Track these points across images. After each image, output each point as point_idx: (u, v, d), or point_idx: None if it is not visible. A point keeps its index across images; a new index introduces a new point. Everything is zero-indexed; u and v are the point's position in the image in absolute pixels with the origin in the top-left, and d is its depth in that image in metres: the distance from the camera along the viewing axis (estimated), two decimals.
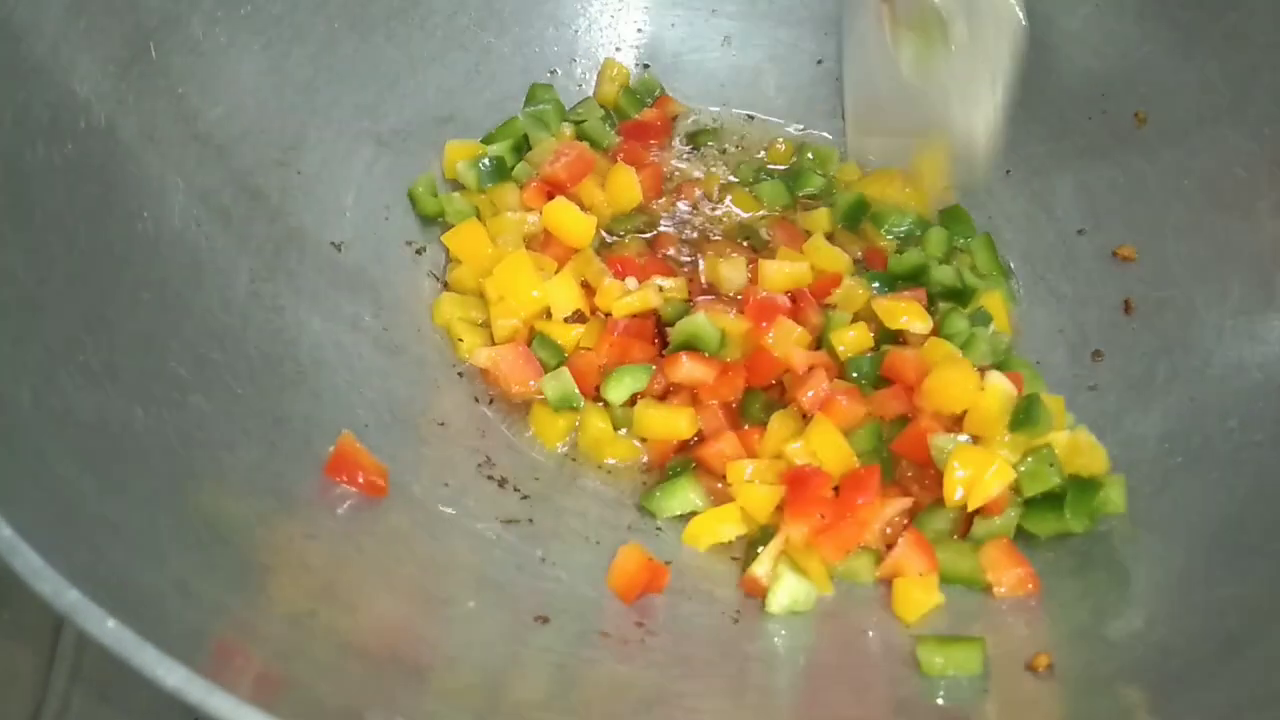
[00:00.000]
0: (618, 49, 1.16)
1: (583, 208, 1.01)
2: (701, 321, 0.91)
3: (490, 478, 0.88)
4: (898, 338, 0.92)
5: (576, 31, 1.14)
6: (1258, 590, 0.72)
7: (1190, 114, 0.96)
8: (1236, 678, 0.67)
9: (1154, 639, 0.72)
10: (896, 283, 0.99)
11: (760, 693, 0.74)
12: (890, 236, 1.04)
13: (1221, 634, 0.70)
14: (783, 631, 0.79)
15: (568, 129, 1.09)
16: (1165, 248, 0.94)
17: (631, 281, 0.97)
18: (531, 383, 0.93)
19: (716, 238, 1.05)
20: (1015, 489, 0.82)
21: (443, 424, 0.91)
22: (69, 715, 0.84)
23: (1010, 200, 1.05)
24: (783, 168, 1.12)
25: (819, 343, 0.93)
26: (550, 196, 1.01)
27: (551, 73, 1.14)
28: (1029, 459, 0.82)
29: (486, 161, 1.04)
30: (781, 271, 0.96)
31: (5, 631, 0.87)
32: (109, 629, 0.49)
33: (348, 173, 1.01)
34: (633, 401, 0.92)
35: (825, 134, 1.14)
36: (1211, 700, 0.66)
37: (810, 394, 0.87)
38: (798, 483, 0.83)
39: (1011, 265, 1.03)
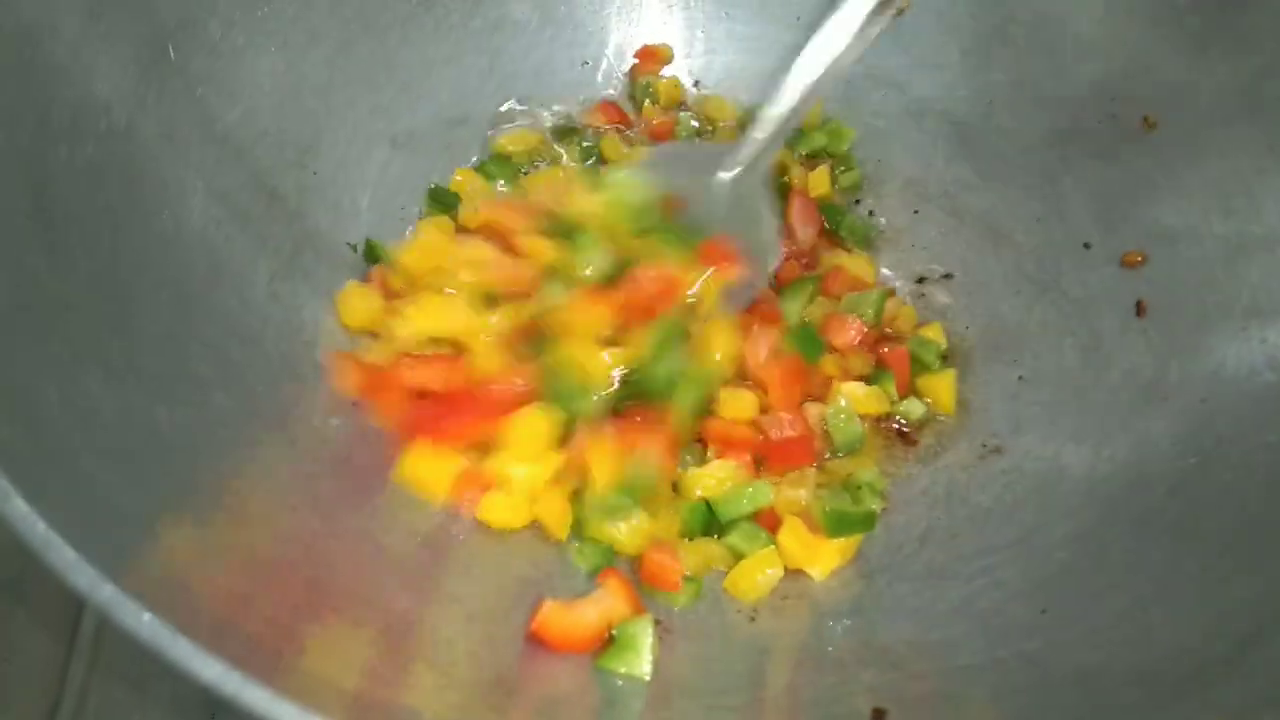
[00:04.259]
0: (634, 54, 1.16)
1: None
2: None
3: None
4: None
5: (590, 34, 1.15)
6: (1271, 590, 0.72)
7: (1200, 118, 0.96)
8: (1250, 676, 0.67)
9: (1168, 638, 0.72)
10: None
11: (777, 690, 0.74)
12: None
13: (1235, 633, 0.70)
14: (797, 630, 0.80)
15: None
16: (1176, 250, 0.94)
17: None
18: None
19: None
20: None
21: None
22: (88, 703, 0.85)
23: (1021, 203, 1.05)
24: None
25: None
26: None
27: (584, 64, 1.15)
28: None
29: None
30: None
31: (26, 622, 0.88)
32: (145, 623, 0.50)
33: (363, 174, 1.02)
34: None
35: None
36: (1225, 699, 0.66)
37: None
38: None
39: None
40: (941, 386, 0.97)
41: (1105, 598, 0.77)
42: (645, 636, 0.74)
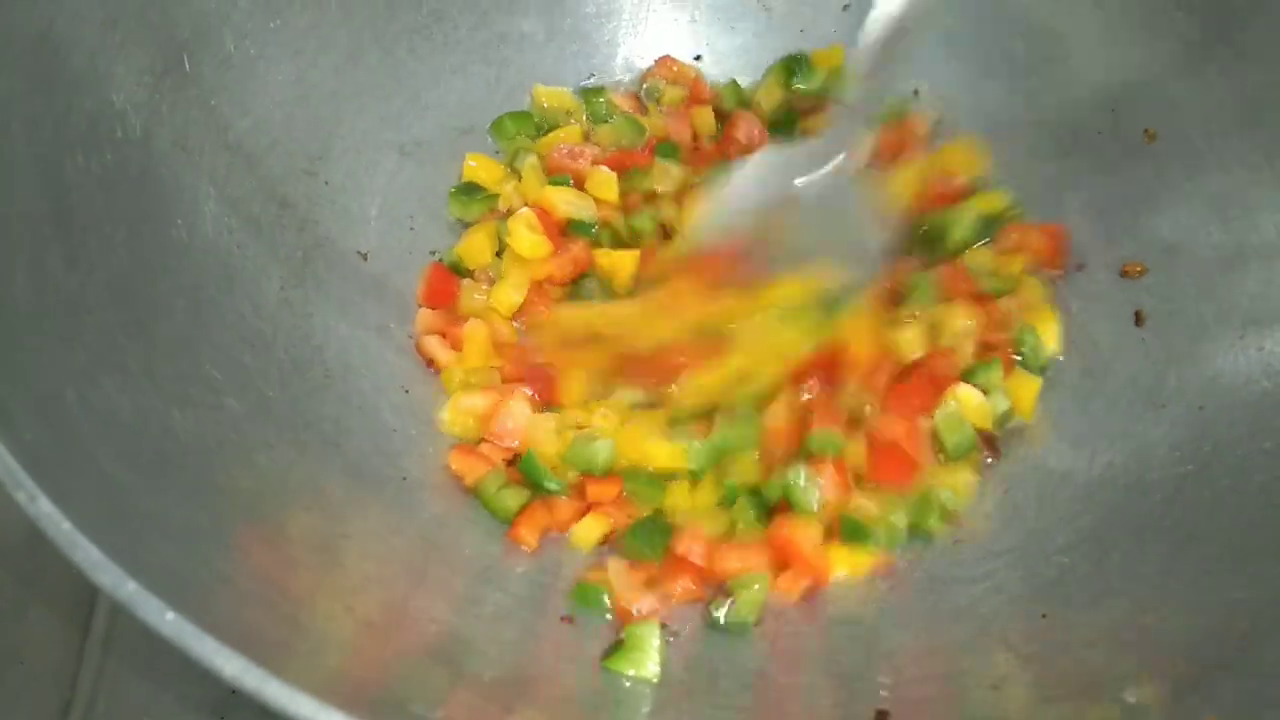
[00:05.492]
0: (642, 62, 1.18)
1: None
2: None
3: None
4: None
5: (597, 46, 1.16)
6: (1268, 593, 0.73)
7: (1199, 130, 0.97)
8: (1248, 678, 0.68)
9: (1167, 641, 0.73)
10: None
11: (783, 692, 0.75)
12: None
13: (1234, 636, 0.71)
14: (801, 634, 0.81)
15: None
16: (1175, 261, 0.95)
17: None
18: None
19: None
20: None
21: None
22: (99, 703, 0.86)
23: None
24: None
25: None
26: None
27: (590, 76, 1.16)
28: None
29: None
30: None
31: (38, 623, 0.89)
32: (168, 620, 0.51)
33: (372, 183, 1.03)
34: None
35: None
36: (1223, 700, 0.67)
37: None
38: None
39: None
40: (1024, 389, 0.95)
41: (1104, 602, 0.78)
42: (652, 638, 0.75)
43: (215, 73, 0.92)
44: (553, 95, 1.13)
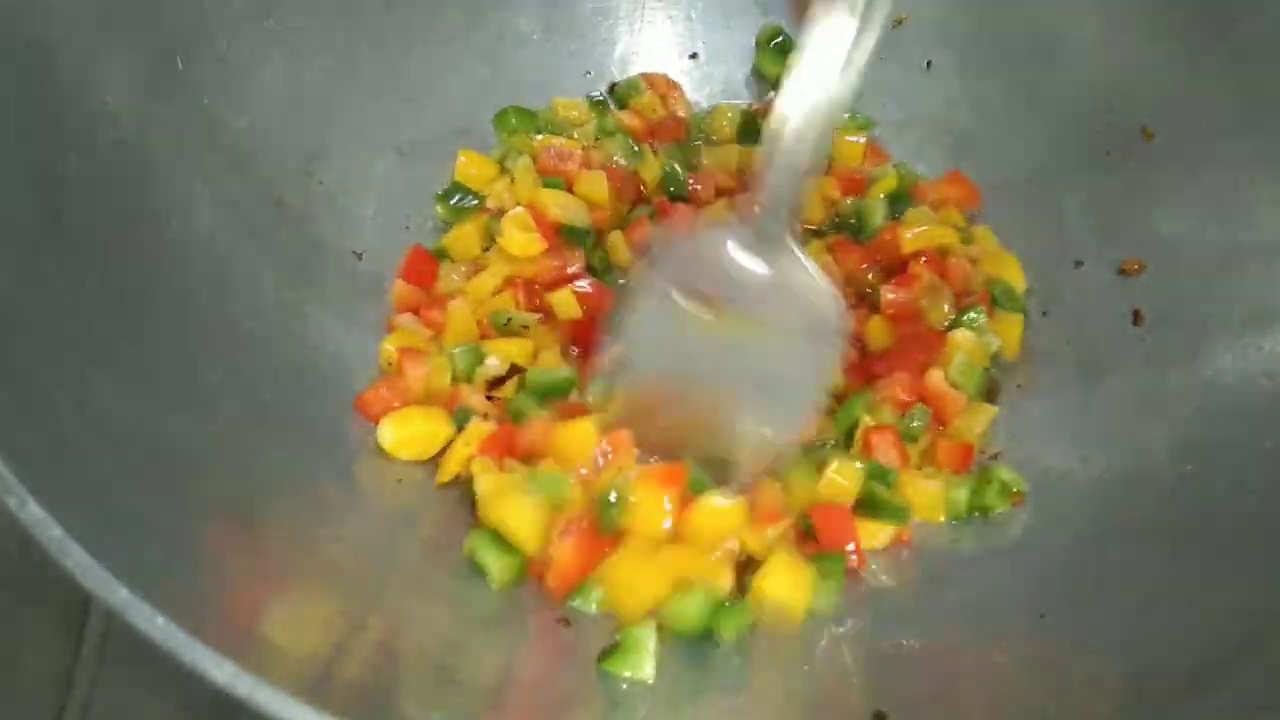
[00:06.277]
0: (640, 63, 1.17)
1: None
2: None
3: None
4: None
5: (593, 44, 1.15)
6: (1267, 594, 0.73)
7: (1196, 127, 0.96)
8: (1246, 681, 0.68)
9: (1164, 642, 0.73)
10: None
11: (779, 693, 0.75)
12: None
13: (1231, 639, 0.71)
14: (799, 635, 0.81)
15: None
16: (1174, 260, 0.95)
17: None
18: None
19: None
20: None
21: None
22: (94, 706, 0.86)
23: (1019, 211, 1.06)
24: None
25: None
26: None
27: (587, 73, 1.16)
28: None
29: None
30: None
31: (33, 625, 0.89)
32: (159, 625, 0.50)
33: (368, 183, 1.03)
34: None
35: None
36: (1221, 703, 0.67)
37: None
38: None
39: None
40: (1009, 328, 0.97)
41: (1103, 602, 0.78)
42: (648, 639, 0.75)
43: (209, 73, 0.91)
44: (569, 106, 1.12)
